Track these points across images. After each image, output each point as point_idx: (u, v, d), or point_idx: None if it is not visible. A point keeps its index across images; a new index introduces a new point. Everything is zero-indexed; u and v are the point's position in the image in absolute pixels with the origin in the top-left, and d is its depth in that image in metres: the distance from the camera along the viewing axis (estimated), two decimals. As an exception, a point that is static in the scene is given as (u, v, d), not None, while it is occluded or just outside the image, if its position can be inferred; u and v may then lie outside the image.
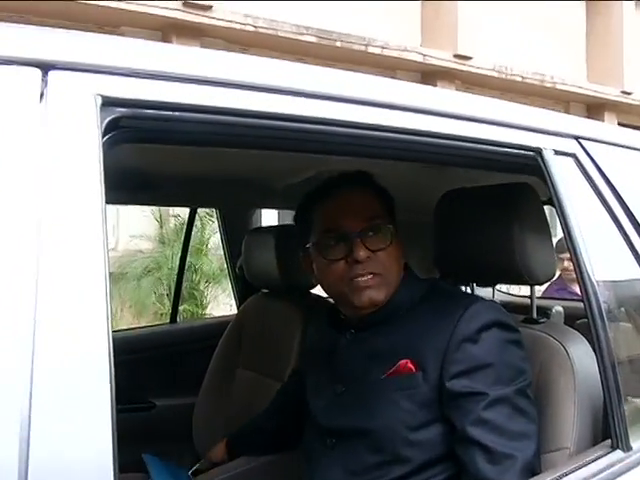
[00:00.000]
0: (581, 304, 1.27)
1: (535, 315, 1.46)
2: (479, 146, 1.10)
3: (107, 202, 2.26)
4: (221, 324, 2.52)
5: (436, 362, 1.22)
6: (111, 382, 0.67)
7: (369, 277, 1.29)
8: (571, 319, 1.65)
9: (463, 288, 1.59)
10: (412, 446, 1.22)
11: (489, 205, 1.43)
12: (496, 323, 1.24)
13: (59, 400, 0.65)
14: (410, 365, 1.24)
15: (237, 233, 2.65)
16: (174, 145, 0.85)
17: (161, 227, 7.28)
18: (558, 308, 2.71)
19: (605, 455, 1.18)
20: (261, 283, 2.33)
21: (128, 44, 0.86)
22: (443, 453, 1.22)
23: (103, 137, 0.69)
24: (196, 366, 2.39)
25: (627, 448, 1.20)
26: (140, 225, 7.09)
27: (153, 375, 2.58)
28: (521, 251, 1.35)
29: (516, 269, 1.36)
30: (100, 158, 0.68)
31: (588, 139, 1.34)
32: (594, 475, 1.13)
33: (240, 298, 2.76)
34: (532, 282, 1.41)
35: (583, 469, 1.13)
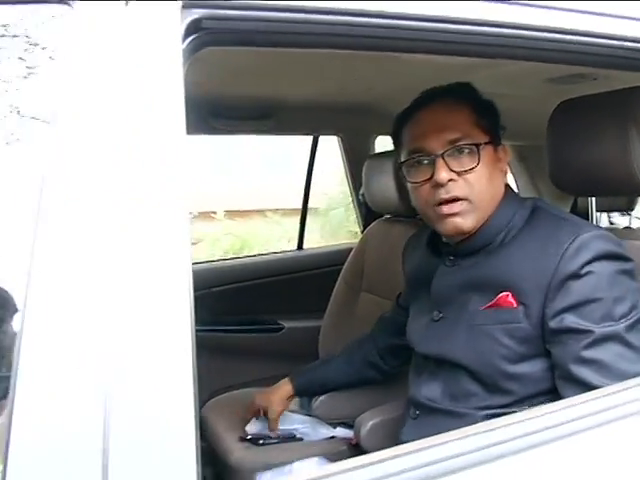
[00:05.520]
0: None
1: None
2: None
3: (225, 132, 2.31)
4: (345, 250, 2.57)
5: (539, 299, 1.15)
6: (191, 317, 0.68)
7: (454, 203, 1.23)
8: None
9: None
10: (513, 379, 1.19)
11: (605, 112, 1.35)
12: (606, 254, 1.15)
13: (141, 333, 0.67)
14: (511, 299, 1.18)
15: (359, 160, 2.66)
16: (259, 47, 0.83)
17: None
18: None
19: None
20: (382, 208, 2.35)
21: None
22: (548, 387, 1.18)
23: (184, 41, 0.71)
24: (322, 290, 2.47)
25: None
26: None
27: (282, 299, 2.71)
28: (639, 159, 1.28)
29: (634, 179, 1.29)
30: (181, 63, 0.70)
31: None
32: None
33: (364, 224, 2.80)
34: (653, 193, 1.33)
35: None
